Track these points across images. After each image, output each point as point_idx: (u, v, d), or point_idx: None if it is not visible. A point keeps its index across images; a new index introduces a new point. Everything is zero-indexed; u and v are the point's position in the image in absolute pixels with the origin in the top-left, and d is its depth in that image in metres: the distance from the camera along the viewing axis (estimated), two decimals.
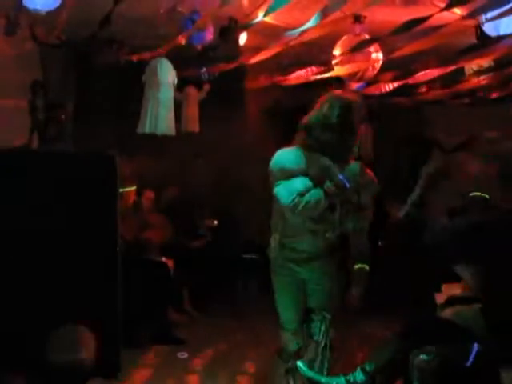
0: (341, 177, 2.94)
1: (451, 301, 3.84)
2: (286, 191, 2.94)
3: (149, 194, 5.52)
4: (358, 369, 3.12)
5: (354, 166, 3.06)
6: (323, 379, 3.11)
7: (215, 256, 5.78)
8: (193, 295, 5.51)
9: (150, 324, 4.81)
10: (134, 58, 4.60)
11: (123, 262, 3.61)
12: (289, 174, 2.95)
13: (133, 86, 4.94)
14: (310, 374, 3.12)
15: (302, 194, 2.90)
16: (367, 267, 3.22)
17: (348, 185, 2.93)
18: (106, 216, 3.14)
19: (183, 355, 4.55)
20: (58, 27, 4.24)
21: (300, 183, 2.93)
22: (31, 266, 3.13)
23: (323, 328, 3.27)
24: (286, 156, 3.03)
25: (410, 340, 3.06)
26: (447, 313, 3.38)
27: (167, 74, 4.71)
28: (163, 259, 5.10)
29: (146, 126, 4.72)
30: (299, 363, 3.17)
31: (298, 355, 3.24)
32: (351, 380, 3.08)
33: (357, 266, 3.19)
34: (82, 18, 4.03)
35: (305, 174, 2.96)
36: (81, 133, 5.47)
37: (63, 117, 5.05)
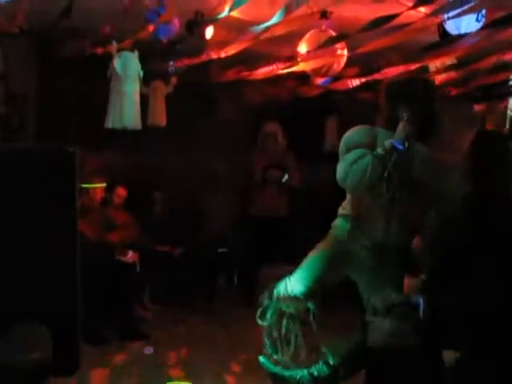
0: (391, 140, 2.75)
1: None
2: (340, 165, 2.82)
3: (120, 191, 5.44)
4: (321, 362, 3.15)
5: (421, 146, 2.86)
6: (287, 373, 3.13)
7: (185, 252, 5.77)
8: (159, 291, 5.49)
9: (115, 320, 4.78)
10: (99, 51, 4.54)
11: (87, 260, 3.57)
12: (348, 149, 2.83)
13: (99, 78, 4.86)
14: (274, 369, 3.14)
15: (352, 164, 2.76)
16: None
17: (400, 146, 2.71)
18: (65, 213, 3.08)
19: (149, 350, 4.54)
20: (19, 16, 4.15)
21: (354, 154, 2.77)
22: None
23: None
24: (350, 133, 2.93)
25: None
26: None
27: (133, 67, 4.66)
28: (130, 254, 5.06)
29: (112, 121, 4.66)
30: (261, 358, 3.18)
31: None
32: (314, 373, 3.12)
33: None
34: (44, 8, 3.95)
35: (370, 148, 2.79)
36: (45, 126, 5.37)
37: (24, 108, 4.95)
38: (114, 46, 4.44)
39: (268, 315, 3.14)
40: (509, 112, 6.81)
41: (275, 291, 3.14)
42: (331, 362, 3.13)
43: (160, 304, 5.47)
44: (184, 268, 5.69)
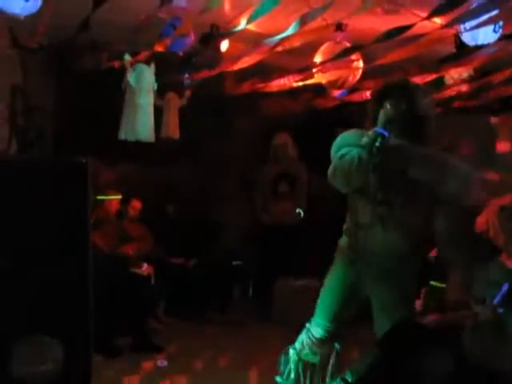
0: (378, 128, 2.63)
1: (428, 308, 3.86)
2: (331, 166, 2.75)
3: (135, 204, 5.46)
4: (339, 379, 3.10)
5: None
6: None
7: (199, 265, 5.76)
8: (173, 304, 5.47)
9: (130, 333, 4.77)
10: (115, 64, 4.58)
11: (101, 272, 3.57)
12: (337, 148, 2.78)
13: (114, 91, 4.90)
14: None
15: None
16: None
17: (382, 131, 2.57)
18: (77, 224, 3.08)
19: (163, 363, 4.52)
20: (38, 32, 4.20)
21: (342, 151, 2.70)
22: None
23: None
24: (340, 137, 2.88)
25: (390, 348, 3.06)
26: (427, 319, 3.38)
27: (147, 80, 4.69)
28: (144, 266, 5.06)
29: (125, 133, 4.69)
30: (278, 379, 3.13)
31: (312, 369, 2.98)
32: None
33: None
34: (63, 23, 3.99)
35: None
36: (61, 138, 5.42)
37: (42, 121, 5.00)
38: (127, 59, 4.48)
39: (289, 371, 3.06)
40: None
41: (297, 343, 3.06)
42: (349, 379, 3.08)
43: (174, 317, 5.46)
44: (198, 280, 5.68)
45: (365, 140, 2.58)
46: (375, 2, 3.40)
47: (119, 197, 5.23)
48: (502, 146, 6.37)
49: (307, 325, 3.03)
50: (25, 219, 3.00)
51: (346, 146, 2.73)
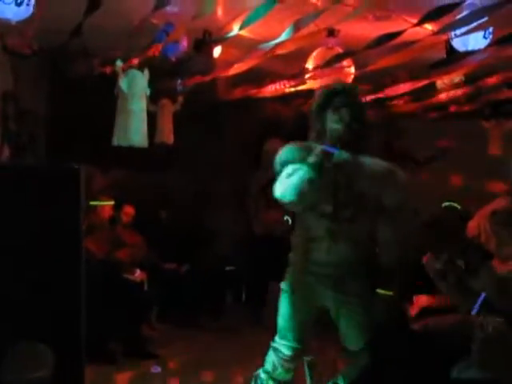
0: (325, 146, 2.65)
1: (424, 312, 3.87)
2: (277, 183, 2.71)
3: (128, 210, 5.45)
4: (331, 383, 3.11)
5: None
6: None
7: (192, 270, 5.76)
8: (166, 310, 5.46)
9: (123, 339, 4.75)
10: (108, 70, 4.58)
11: (94, 278, 3.56)
12: (282, 166, 2.75)
13: (107, 97, 4.89)
14: None
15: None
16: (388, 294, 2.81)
17: (331, 149, 2.61)
18: (70, 231, 3.06)
19: (156, 369, 4.51)
20: (30, 37, 4.20)
21: (288, 169, 2.67)
22: None
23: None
24: (282, 151, 2.85)
25: (381, 353, 3.07)
26: (420, 325, 3.40)
27: (139, 85, 4.69)
28: (137, 272, 5.05)
29: (118, 138, 4.69)
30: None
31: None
32: None
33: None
34: (54, 28, 3.99)
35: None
36: (53, 144, 5.40)
37: (34, 126, 4.99)
38: (119, 64, 4.47)
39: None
40: None
41: (267, 365, 2.98)
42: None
43: (167, 323, 5.44)
44: (191, 286, 5.67)
45: (312, 159, 2.62)
46: (366, 9, 3.42)
47: (112, 203, 5.22)
48: (493, 151, 6.43)
49: (274, 344, 2.96)
50: (17, 226, 2.98)
51: (291, 161, 2.70)
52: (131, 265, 5.09)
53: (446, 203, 6.03)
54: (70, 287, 3.08)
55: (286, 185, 2.67)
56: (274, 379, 2.94)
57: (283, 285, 2.94)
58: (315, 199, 2.68)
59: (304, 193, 2.62)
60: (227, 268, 6.07)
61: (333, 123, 2.69)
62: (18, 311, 2.95)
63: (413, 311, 4.11)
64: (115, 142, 4.70)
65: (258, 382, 2.99)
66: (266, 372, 2.96)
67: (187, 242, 5.97)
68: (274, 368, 2.92)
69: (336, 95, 2.74)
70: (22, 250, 2.98)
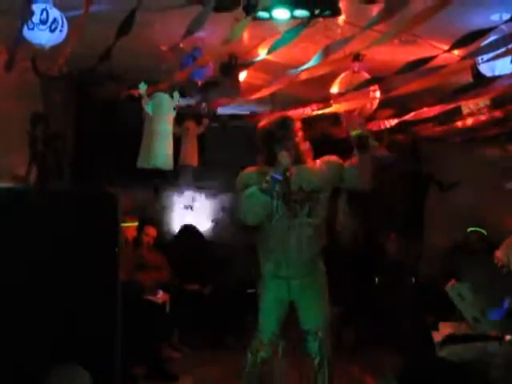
0: (272, 174, 3.24)
1: (449, 339, 3.81)
2: (238, 204, 3.37)
3: (150, 230, 5.48)
4: None
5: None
6: None
7: (214, 292, 5.74)
8: (189, 332, 5.44)
9: (145, 361, 4.74)
10: (135, 93, 4.63)
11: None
12: (242, 189, 3.37)
13: (133, 119, 4.95)
14: None
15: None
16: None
17: (278, 177, 3.22)
18: (107, 258, 3.10)
19: None
20: (60, 60, 4.28)
21: (246, 192, 3.29)
22: (30, 304, 3.06)
23: (317, 345, 3.54)
24: (243, 174, 3.51)
25: (410, 380, 3.03)
26: (445, 352, 3.36)
27: (166, 108, 4.74)
28: (160, 294, 5.05)
29: (144, 160, 4.73)
30: None
31: (264, 363, 3.60)
32: None
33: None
34: (84, 51, 4.06)
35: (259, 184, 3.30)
36: (80, 166, 5.48)
37: (62, 148, 5.05)
38: (143, 87, 4.51)
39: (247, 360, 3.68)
40: None
41: (253, 349, 3.66)
42: None
43: (191, 345, 5.42)
44: (214, 308, 5.65)
45: (265, 186, 3.23)
46: (394, 34, 3.43)
47: (135, 223, 5.25)
48: None
49: (257, 333, 3.62)
50: (56, 250, 3.02)
51: (249, 185, 3.34)
52: (154, 286, 5.10)
53: (472, 228, 5.96)
54: (106, 313, 3.10)
55: (245, 207, 3.29)
56: (256, 357, 3.61)
57: (259, 288, 3.64)
58: (270, 213, 3.37)
59: (259, 212, 3.30)
60: (248, 290, 6.05)
61: (279, 157, 3.28)
62: (56, 335, 2.97)
63: (438, 338, 4.06)
64: (139, 164, 4.75)
65: (247, 360, 3.66)
66: (251, 352, 3.64)
67: (209, 264, 5.97)
68: (257, 351, 3.59)
69: (277, 129, 3.48)
70: (60, 275, 3.01)
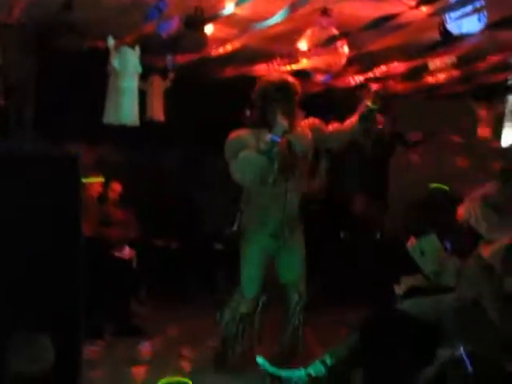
0: (270, 135, 3.24)
1: (409, 292, 3.93)
2: (234, 166, 3.33)
3: (115, 186, 5.41)
4: (318, 361, 3.17)
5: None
6: (284, 373, 3.15)
7: (183, 247, 5.76)
8: (156, 287, 5.47)
9: (112, 316, 4.77)
10: (99, 45, 4.49)
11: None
12: (236, 152, 3.33)
13: (97, 73, 4.81)
14: (272, 369, 3.15)
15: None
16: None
17: (277, 139, 3.22)
18: (68, 222, 3.05)
19: (145, 346, 4.54)
20: (17, 8, 4.10)
21: (243, 155, 3.28)
22: None
23: (298, 296, 3.69)
24: (234, 138, 3.46)
25: (369, 333, 3.12)
26: (405, 304, 3.45)
27: (131, 63, 4.62)
28: (126, 250, 5.05)
29: (109, 116, 4.64)
30: (259, 359, 3.23)
31: (245, 320, 3.66)
32: (312, 373, 3.13)
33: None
34: (44, 1, 3.91)
35: (254, 146, 3.34)
36: (42, 120, 5.33)
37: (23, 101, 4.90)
38: (111, 42, 4.40)
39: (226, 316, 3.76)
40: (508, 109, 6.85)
41: (233, 303, 3.74)
42: (328, 362, 3.14)
43: (158, 299, 5.46)
44: (181, 263, 5.69)
45: (263, 146, 3.24)
46: None
47: (101, 179, 5.18)
48: (482, 132, 6.44)
49: (239, 288, 3.69)
50: (16, 212, 2.95)
51: (243, 148, 3.32)
52: (120, 242, 5.08)
53: (434, 185, 6.07)
54: (70, 270, 3.08)
55: (243, 169, 3.28)
56: (238, 312, 3.68)
57: (242, 246, 3.67)
58: (267, 176, 3.37)
59: (258, 174, 3.30)
60: (217, 246, 6.09)
61: (278, 118, 3.30)
62: (18, 295, 2.93)
63: (400, 291, 4.18)
64: (106, 120, 4.66)
65: (225, 315, 3.74)
66: (229, 308, 3.72)
67: (177, 219, 5.97)
68: (237, 306, 3.68)
69: (277, 90, 3.44)
70: (20, 235, 2.96)
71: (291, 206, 3.58)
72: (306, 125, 3.65)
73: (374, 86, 3.86)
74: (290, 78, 3.65)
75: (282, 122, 3.28)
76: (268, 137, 3.23)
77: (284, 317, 3.78)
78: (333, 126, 3.73)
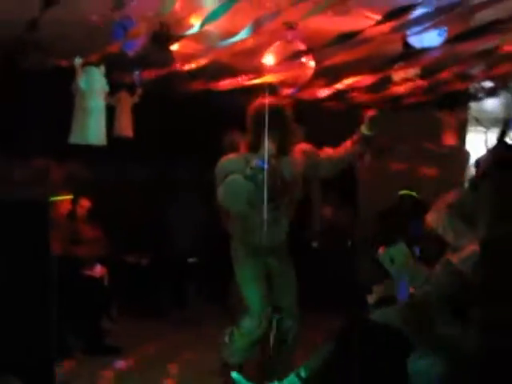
0: (257, 160, 3.22)
1: (380, 301, 3.99)
2: (220, 191, 3.29)
3: (84, 202, 5.36)
4: (293, 374, 3.18)
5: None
6: None
7: (155, 261, 5.74)
8: (128, 304, 5.44)
9: (83, 335, 4.73)
10: (64, 64, 4.45)
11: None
12: (225, 176, 3.33)
13: (64, 91, 4.78)
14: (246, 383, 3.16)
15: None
16: None
17: (263, 164, 3.20)
18: (38, 266, 3.01)
19: (118, 364, 4.51)
20: None
21: (229, 179, 3.25)
22: None
23: (292, 321, 3.65)
24: (224, 162, 3.47)
25: (343, 344, 3.15)
26: (376, 314, 3.50)
27: (98, 82, 4.60)
28: (97, 268, 5.01)
29: (75, 136, 4.61)
30: (234, 375, 3.23)
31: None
32: None
33: None
34: (9, 18, 3.87)
35: (242, 171, 3.30)
36: (10, 138, 5.27)
37: None
38: (78, 61, 4.37)
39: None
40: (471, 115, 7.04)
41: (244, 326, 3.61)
42: (303, 375, 3.16)
43: (130, 316, 5.43)
44: (153, 279, 5.66)
45: (249, 172, 3.21)
46: (328, 5, 3.45)
47: (70, 197, 5.14)
48: (448, 139, 6.59)
49: (248, 312, 3.56)
50: None
51: (231, 172, 3.30)
52: (91, 260, 5.04)
53: (403, 192, 6.17)
54: (39, 291, 3.04)
55: (228, 194, 3.26)
56: (246, 336, 3.57)
57: (240, 268, 3.60)
58: (253, 202, 3.31)
59: (243, 199, 3.27)
60: (189, 260, 6.08)
61: (266, 143, 3.30)
62: None
63: (371, 300, 4.23)
64: (73, 140, 4.63)
65: (232, 337, 3.61)
66: (240, 332, 3.58)
67: (148, 234, 5.94)
68: (250, 332, 3.54)
69: (270, 116, 3.39)
70: None
71: (281, 234, 3.55)
72: (299, 150, 3.62)
73: (370, 112, 3.80)
74: (282, 102, 3.69)
75: (268, 147, 3.28)
76: (254, 162, 3.22)
77: (274, 342, 3.69)
78: (325, 153, 3.68)
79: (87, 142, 4.61)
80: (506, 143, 4.24)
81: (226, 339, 3.66)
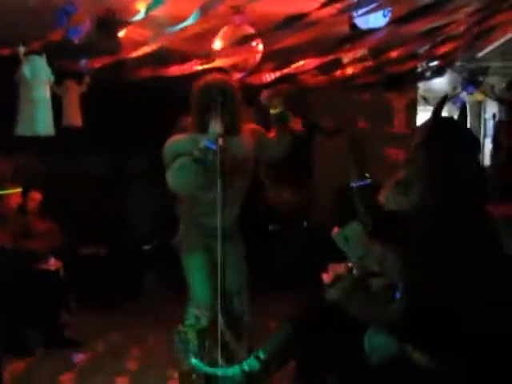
0: (205, 141, 3.09)
1: (336, 280, 4.06)
2: (168, 174, 3.15)
3: (35, 195, 5.22)
4: (252, 357, 3.21)
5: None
6: (219, 371, 3.17)
7: (111, 252, 5.68)
8: (87, 295, 5.38)
9: (42, 329, 4.67)
10: (5, 52, 4.30)
11: (4, 269, 3.47)
12: (172, 158, 3.17)
13: (8, 81, 4.63)
14: (206, 368, 3.18)
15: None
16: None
17: (212, 146, 3.07)
18: None
19: (78, 357, 4.48)
20: None
21: (177, 162, 3.12)
22: None
23: (242, 303, 3.57)
24: (171, 143, 3.29)
25: (300, 324, 3.20)
26: (332, 292, 3.55)
27: (42, 71, 4.48)
28: (52, 261, 4.92)
29: (22, 128, 4.48)
30: (193, 360, 3.23)
31: (209, 331, 3.40)
32: (246, 369, 3.17)
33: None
34: None
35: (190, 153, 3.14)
36: None
37: None
38: (22, 50, 4.23)
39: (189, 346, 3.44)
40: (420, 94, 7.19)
41: (191, 319, 3.48)
42: (262, 357, 3.19)
43: (89, 308, 5.37)
44: (109, 269, 5.62)
45: (197, 153, 3.08)
46: None
47: (19, 190, 5.01)
48: (398, 120, 6.71)
49: (194, 303, 3.44)
50: None
51: (180, 154, 3.15)
52: (45, 253, 4.95)
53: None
54: None
55: (176, 177, 3.12)
56: (199, 329, 3.40)
57: (189, 255, 3.46)
58: (203, 184, 3.20)
59: (192, 183, 3.15)
60: (145, 247, 6.06)
61: (212, 123, 3.14)
62: None
63: (327, 279, 4.30)
64: (20, 131, 4.49)
65: (183, 335, 3.43)
66: (191, 326, 3.42)
67: (102, 225, 5.88)
68: (197, 320, 3.40)
69: (217, 95, 3.23)
70: None
71: (231, 215, 3.45)
72: (249, 130, 3.52)
73: (264, 92, 3.71)
74: (229, 80, 3.49)
75: (215, 126, 3.12)
76: (202, 143, 3.09)
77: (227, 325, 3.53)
78: (271, 135, 3.63)
79: (35, 133, 4.48)
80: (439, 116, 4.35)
81: (177, 339, 3.51)
